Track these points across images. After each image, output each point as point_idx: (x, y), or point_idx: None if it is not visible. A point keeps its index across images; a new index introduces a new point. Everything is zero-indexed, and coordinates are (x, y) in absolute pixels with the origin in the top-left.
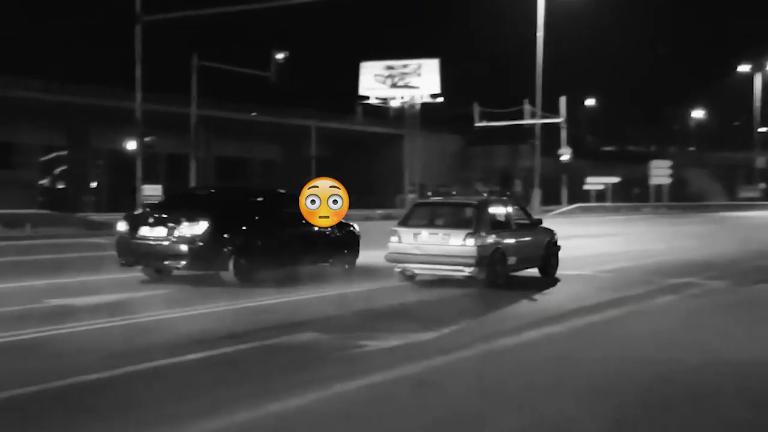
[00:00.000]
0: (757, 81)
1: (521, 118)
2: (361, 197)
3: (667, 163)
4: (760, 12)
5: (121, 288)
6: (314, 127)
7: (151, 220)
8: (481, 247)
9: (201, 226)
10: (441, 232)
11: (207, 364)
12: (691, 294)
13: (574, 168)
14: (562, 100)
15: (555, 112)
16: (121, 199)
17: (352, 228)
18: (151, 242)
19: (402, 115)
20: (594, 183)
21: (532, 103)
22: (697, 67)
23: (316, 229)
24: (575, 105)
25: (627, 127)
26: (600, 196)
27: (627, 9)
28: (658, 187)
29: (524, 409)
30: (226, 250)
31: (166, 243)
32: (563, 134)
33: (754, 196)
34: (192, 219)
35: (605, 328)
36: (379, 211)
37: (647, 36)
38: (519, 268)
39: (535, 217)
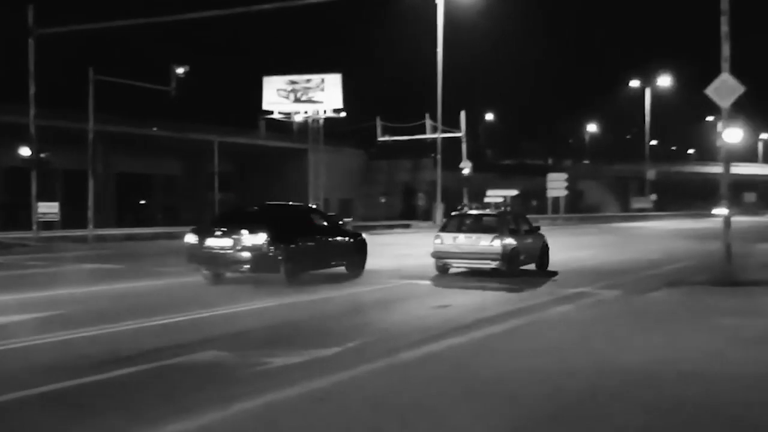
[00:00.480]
0: (648, 96)
1: (423, 132)
2: None
3: (564, 175)
4: (650, 29)
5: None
6: (217, 142)
7: (217, 233)
8: (503, 246)
9: (261, 237)
10: (474, 235)
11: (105, 386)
12: (586, 303)
13: (475, 181)
14: (462, 115)
15: (456, 127)
16: (17, 216)
17: (361, 237)
18: (218, 251)
19: (306, 129)
20: (494, 195)
21: (434, 117)
22: (592, 82)
23: (338, 237)
24: (475, 119)
25: (525, 140)
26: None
27: (524, 26)
28: (556, 199)
29: (422, 423)
30: (279, 257)
31: (231, 252)
32: (464, 148)
33: (645, 207)
34: (253, 231)
35: (505, 338)
36: None
37: (544, 52)
38: (526, 263)
39: (534, 225)
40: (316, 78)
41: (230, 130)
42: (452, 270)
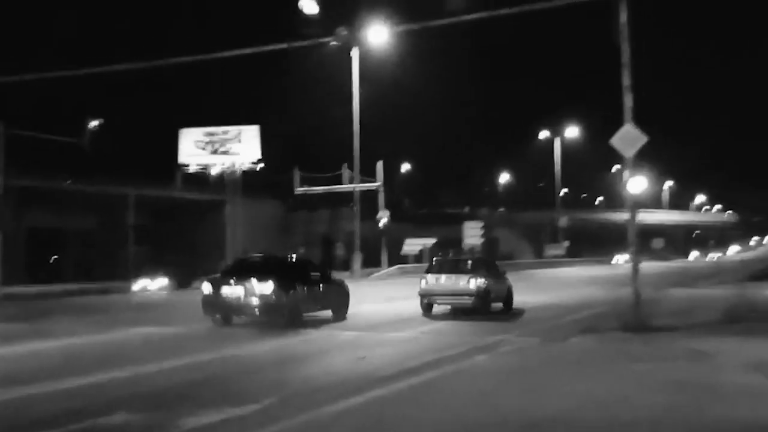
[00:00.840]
0: (557, 146)
1: (341, 183)
2: (182, 265)
3: (479, 223)
4: (559, 82)
5: None
6: (133, 196)
7: (230, 281)
8: (477, 286)
9: (269, 286)
10: (453, 276)
11: None
12: (505, 351)
13: (392, 231)
14: (380, 165)
15: (373, 176)
16: None
17: (345, 285)
18: (232, 299)
19: (223, 181)
20: (412, 245)
21: (351, 168)
22: (506, 132)
23: (327, 285)
24: (392, 169)
25: (441, 190)
26: (418, 257)
27: (440, 78)
28: (472, 247)
29: None
30: (283, 302)
31: (243, 299)
32: (381, 198)
33: (558, 254)
34: (261, 280)
35: (427, 390)
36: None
37: (457, 103)
38: (495, 301)
39: (499, 269)
40: (233, 130)
41: (146, 182)
42: (435, 308)
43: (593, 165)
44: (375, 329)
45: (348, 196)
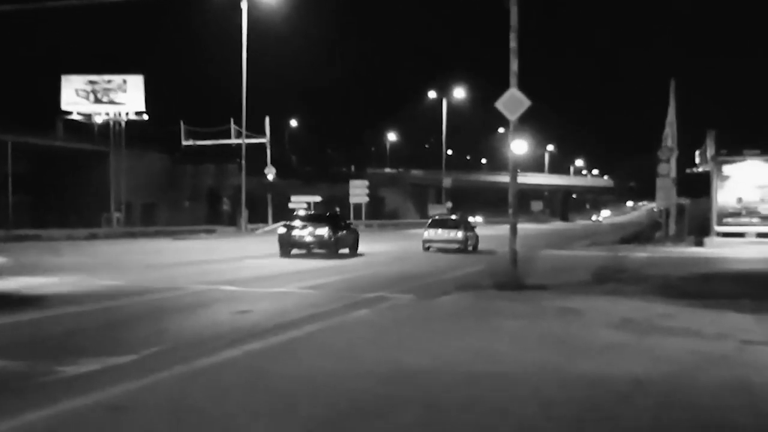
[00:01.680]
0: (444, 107)
1: (228, 137)
2: (63, 216)
3: (365, 182)
4: (449, 43)
5: None
6: (10, 143)
7: (299, 226)
8: (463, 235)
9: (326, 230)
10: (447, 230)
11: None
12: (382, 308)
13: (279, 187)
14: (267, 121)
15: (261, 132)
16: None
17: (357, 232)
18: (301, 237)
19: (107, 131)
20: (298, 202)
21: (239, 122)
22: (395, 92)
23: (348, 231)
24: (281, 126)
25: (329, 148)
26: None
27: (331, 35)
28: (358, 205)
29: (215, 430)
30: (332, 240)
31: (309, 238)
32: (268, 154)
33: (441, 213)
34: (321, 226)
35: (303, 343)
36: (84, 231)
37: (349, 62)
38: (474, 246)
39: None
40: (117, 79)
41: (26, 130)
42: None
43: (479, 128)
44: (258, 284)
45: (235, 151)
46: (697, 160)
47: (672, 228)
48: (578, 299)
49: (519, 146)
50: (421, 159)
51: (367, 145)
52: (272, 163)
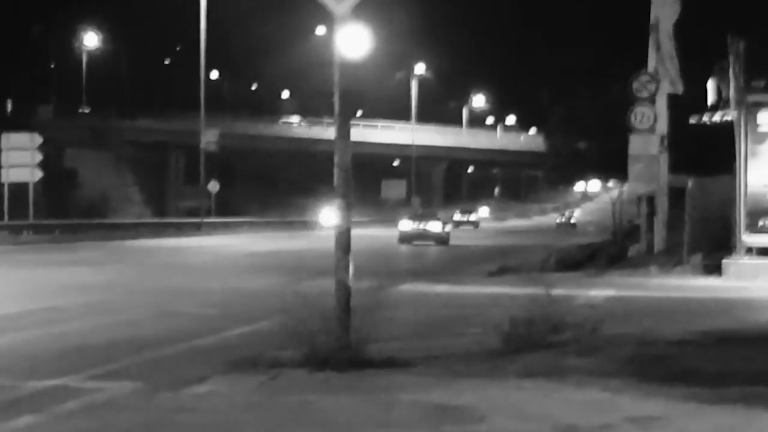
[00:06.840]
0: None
1: None
2: None
3: (30, 138)
4: None
5: None
6: None
7: (415, 222)
8: (443, 228)
9: (440, 225)
10: (425, 222)
11: None
12: (71, 411)
13: None
14: None
15: None
16: None
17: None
18: (419, 231)
19: None
20: None
21: None
22: None
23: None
24: None
25: None
26: None
27: None
28: (23, 189)
29: None
30: (445, 234)
31: (426, 232)
32: None
33: (195, 207)
34: (435, 222)
35: None
36: None
37: None
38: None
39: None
40: None
41: None
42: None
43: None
44: None
45: None
46: (710, 100)
47: (660, 236)
48: (473, 388)
49: (353, 41)
50: (162, 94)
51: (41, 62)
52: None
